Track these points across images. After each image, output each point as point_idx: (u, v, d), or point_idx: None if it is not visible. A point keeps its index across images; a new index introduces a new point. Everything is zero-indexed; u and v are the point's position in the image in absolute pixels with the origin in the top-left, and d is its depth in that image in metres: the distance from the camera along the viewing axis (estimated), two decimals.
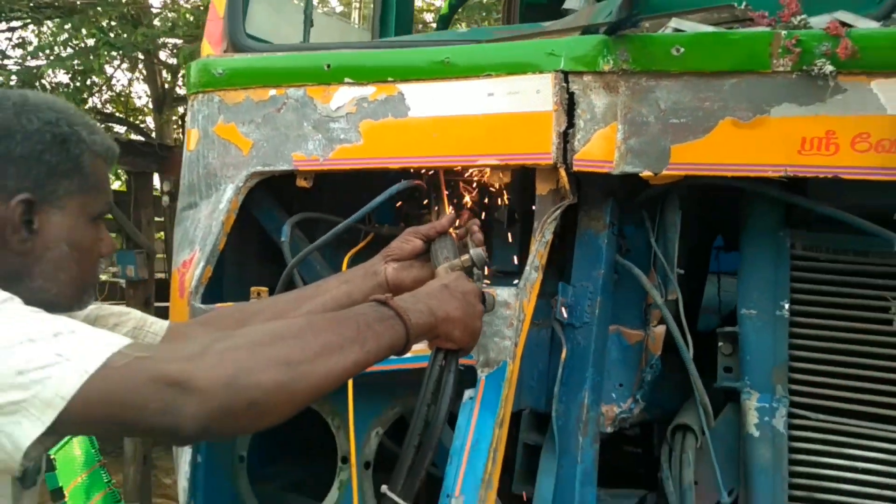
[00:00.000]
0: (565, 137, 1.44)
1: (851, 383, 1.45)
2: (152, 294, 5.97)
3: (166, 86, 7.99)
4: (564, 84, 1.44)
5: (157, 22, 6.02)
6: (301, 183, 1.61)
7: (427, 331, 1.15)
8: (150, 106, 8.86)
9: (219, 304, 1.54)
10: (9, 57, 6.47)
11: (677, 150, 1.39)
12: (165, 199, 6.07)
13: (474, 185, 1.56)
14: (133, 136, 7.99)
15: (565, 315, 1.51)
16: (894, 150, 1.26)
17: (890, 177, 1.26)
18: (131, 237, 5.70)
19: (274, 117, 1.61)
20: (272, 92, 1.62)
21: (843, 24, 1.29)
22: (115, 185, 5.83)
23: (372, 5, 2.54)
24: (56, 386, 0.88)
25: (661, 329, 1.52)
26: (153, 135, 8.24)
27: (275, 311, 1.34)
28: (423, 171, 1.55)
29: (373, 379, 1.36)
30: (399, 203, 1.68)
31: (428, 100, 1.51)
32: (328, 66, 1.58)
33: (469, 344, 1.21)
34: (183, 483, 1.51)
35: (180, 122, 8.62)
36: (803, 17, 1.33)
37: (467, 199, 1.58)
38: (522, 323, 1.36)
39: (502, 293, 1.36)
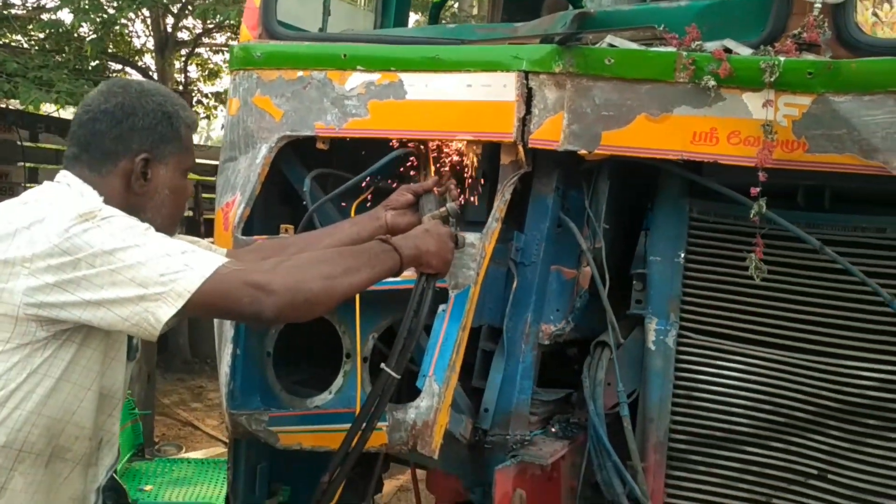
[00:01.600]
0: (524, 122, 1.92)
1: (724, 313, 1.96)
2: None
3: (169, 29, 8.29)
4: (525, 81, 1.91)
5: None
6: (320, 146, 2.08)
7: (413, 260, 1.67)
8: (149, 46, 9.17)
9: (256, 236, 2.03)
10: (36, 9, 6.77)
11: (606, 135, 1.87)
12: None
13: (454, 154, 2.04)
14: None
15: (518, 256, 2.01)
16: (756, 144, 1.74)
17: (751, 163, 1.74)
18: None
19: (300, 93, 2.07)
20: (300, 73, 2.08)
21: (727, 50, 1.76)
22: None
23: None
24: (185, 284, 1.38)
25: (589, 270, 2.02)
26: (154, 76, 8.56)
27: (303, 244, 1.84)
28: (416, 141, 2.03)
29: (372, 296, 1.87)
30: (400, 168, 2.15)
31: (421, 86, 1.98)
32: (345, 55, 2.04)
33: (443, 270, 1.73)
34: (225, 369, 2.01)
35: (183, 66, 8.93)
36: (699, 42, 1.80)
37: (448, 165, 2.06)
38: (483, 259, 1.85)
39: (470, 237, 1.85)
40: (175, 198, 1.63)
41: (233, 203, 2.09)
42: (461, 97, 1.95)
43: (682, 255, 1.98)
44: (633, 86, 1.84)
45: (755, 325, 1.92)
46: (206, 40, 9.16)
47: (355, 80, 2.02)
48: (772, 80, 1.66)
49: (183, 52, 8.80)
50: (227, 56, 10.55)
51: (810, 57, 1.68)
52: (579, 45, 1.89)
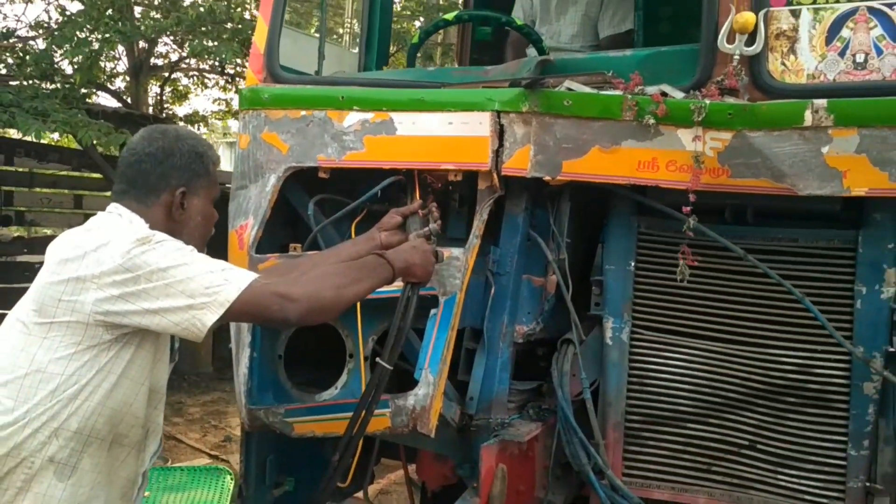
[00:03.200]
0: (497, 153, 2.26)
1: (669, 312, 2.31)
2: None
3: (142, 55, 8.53)
4: (497, 119, 2.25)
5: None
6: (322, 175, 2.40)
7: (403, 272, 2.02)
8: (119, 70, 9.38)
9: (268, 255, 2.34)
10: (20, 37, 6.97)
11: (566, 164, 2.22)
12: None
13: (438, 181, 2.38)
14: (115, 104, 8.51)
15: (494, 267, 2.35)
16: (689, 171, 2.10)
17: (684, 187, 2.10)
18: None
19: (304, 130, 2.39)
20: (303, 112, 2.40)
21: (664, 93, 2.13)
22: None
23: (359, 30, 3.30)
24: (225, 295, 1.69)
25: (554, 278, 2.37)
26: (128, 99, 8.78)
27: (312, 262, 2.16)
28: (405, 170, 2.36)
29: (371, 304, 2.20)
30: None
31: (409, 124, 2.31)
32: (342, 97, 2.37)
33: (425, 280, 2.08)
34: (243, 370, 2.31)
35: (159, 93, 9.15)
36: (642, 87, 2.16)
37: (430, 190, 2.39)
38: (467, 270, 2.19)
39: (455, 251, 2.19)
40: (205, 222, 1.96)
41: (246, 226, 2.40)
42: (444, 133, 2.29)
43: (633, 263, 2.34)
44: (587, 123, 2.19)
45: (694, 322, 2.27)
46: (181, 65, 9.42)
47: (352, 118, 2.35)
48: (700, 119, 2.03)
49: (159, 75, 9.04)
50: (196, 79, 10.86)
51: (731, 100, 2.05)
52: (542, 89, 2.24)
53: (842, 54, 1.97)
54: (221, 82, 11.52)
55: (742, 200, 2.16)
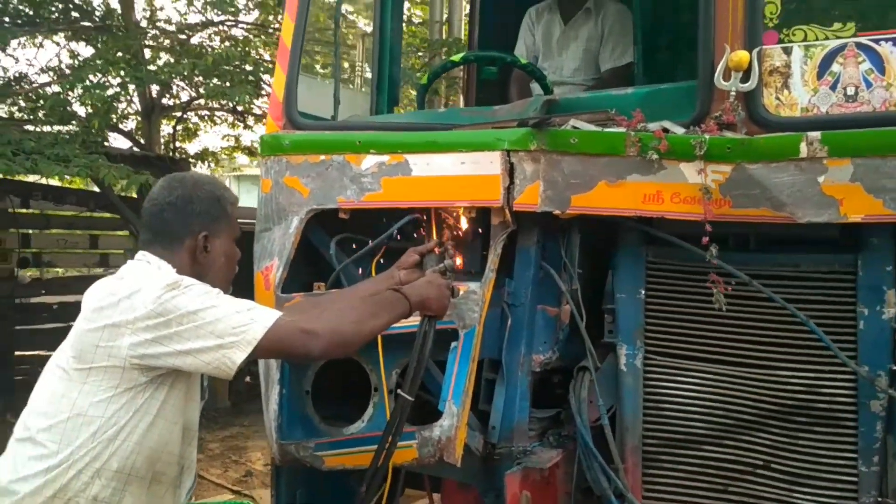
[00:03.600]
0: (509, 190, 2.36)
1: (680, 338, 2.40)
2: None
3: (154, 96, 8.73)
4: (508, 158, 2.36)
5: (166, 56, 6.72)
6: (342, 216, 2.51)
7: (419, 305, 2.12)
8: (131, 110, 9.59)
9: (294, 294, 2.44)
10: (32, 82, 7.15)
11: (575, 198, 2.33)
12: None
13: (453, 219, 2.48)
14: (127, 144, 8.70)
15: (510, 299, 2.45)
16: (692, 203, 2.20)
17: (690, 217, 2.20)
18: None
19: (324, 173, 2.51)
20: (322, 157, 2.52)
21: (665, 129, 2.24)
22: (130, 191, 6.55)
23: (370, 73, 3.44)
24: (252, 334, 1.80)
25: (568, 307, 2.46)
26: (141, 139, 8.97)
27: (332, 299, 2.26)
28: (422, 210, 2.47)
29: (392, 339, 2.30)
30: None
31: (424, 165, 2.42)
32: (359, 142, 2.49)
33: (441, 314, 2.18)
34: (273, 407, 2.41)
35: (172, 133, 9.34)
36: (644, 124, 2.27)
37: (445, 228, 2.50)
38: (484, 303, 2.29)
39: (472, 286, 2.29)
40: (229, 261, 2.07)
41: (272, 267, 2.51)
42: (457, 172, 2.40)
43: (643, 291, 2.43)
44: (593, 159, 2.30)
45: (705, 346, 2.36)
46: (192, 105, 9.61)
47: (369, 161, 2.47)
48: (701, 153, 2.14)
49: (170, 115, 9.24)
50: (207, 117, 11.07)
51: (729, 134, 2.16)
52: (549, 128, 2.35)
53: (833, 88, 2.08)
54: (230, 119, 11.74)
55: (744, 229, 2.26)
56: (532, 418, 2.43)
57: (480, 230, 2.51)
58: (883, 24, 2.01)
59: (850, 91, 2.06)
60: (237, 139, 12.79)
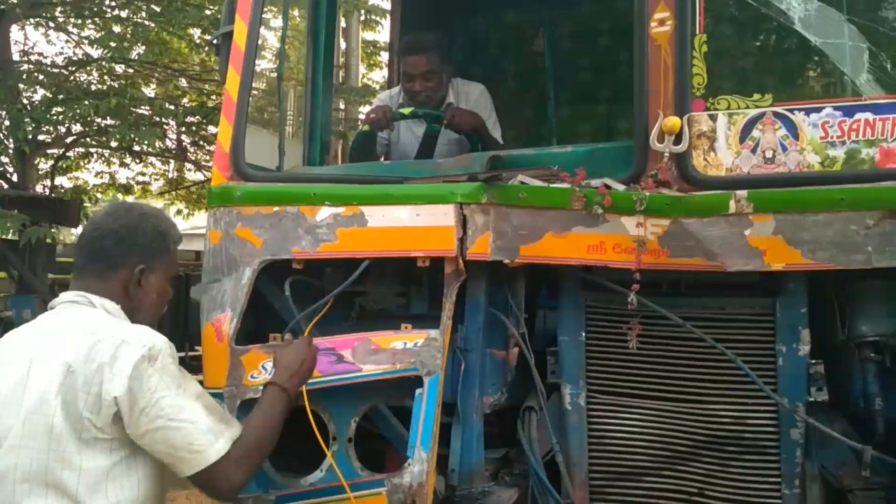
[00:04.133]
0: (462, 240, 2.48)
1: (619, 376, 2.59)
2: None
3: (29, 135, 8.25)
4: (460, 210, 2.46)
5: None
6: (296, 266, 2.54)
7: (290, 379, 2.09)
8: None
9: (250, 346, 2.44)
10: None
11: (523, 248, 2.47)
12: (59, 247, 6.50)
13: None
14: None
15: (462, 343, 2.55)
16: (633, 253, 2.40)
17: (629, 266, 2.40)
18: (26, 281, 6.09)
19: (277, 224, 2.53)
20: (275, 208, 2.55)
21: (607, 186, 2.44)
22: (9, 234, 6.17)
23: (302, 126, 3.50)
24: (205, 459, 1.83)
25: (516, 350, 2.59)
26: (13, 178, 8.44)
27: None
28: (376, 259, 2.53)
29: (351, 387, 2.34)
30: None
31: (379, 216, 2.50)
32: (314, 193, 2.54)
33: (308, 376, 2.18)
34: None
35: (51, 171, 8.85)
36: (588, 181, 2.46)
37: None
38: (444, 349, 2.38)
39: (433, 333, 2.38)
40: (160, 300, 2.05)
41: (224, 319, 2.49)
42: (412, 224, 2.48)
43: (583, 334, 2.60)
44: (541, 212, 2.46)
45: (642, 383, 2.55)
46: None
47: (324, 213, 2.52)
48: (641, 208, 2.35)
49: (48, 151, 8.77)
50: (81, 152, 10.60)
51: (665, 191, 2.39)
52: (499, 183, 2.50)
53: (754, 151, 2.35)
54: (106, 154, 11.29)
55: (676, 275, 2.49)
56: (486, 458, 2.52)
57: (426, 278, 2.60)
58: (798, 92, 2.30)
59: (769, 154, 2.33)
60: (112, 176, 12.32)
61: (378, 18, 10.76)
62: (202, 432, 1.81)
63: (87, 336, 1.84)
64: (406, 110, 3.26)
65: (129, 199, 11.44)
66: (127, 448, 1.79)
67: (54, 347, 1.82)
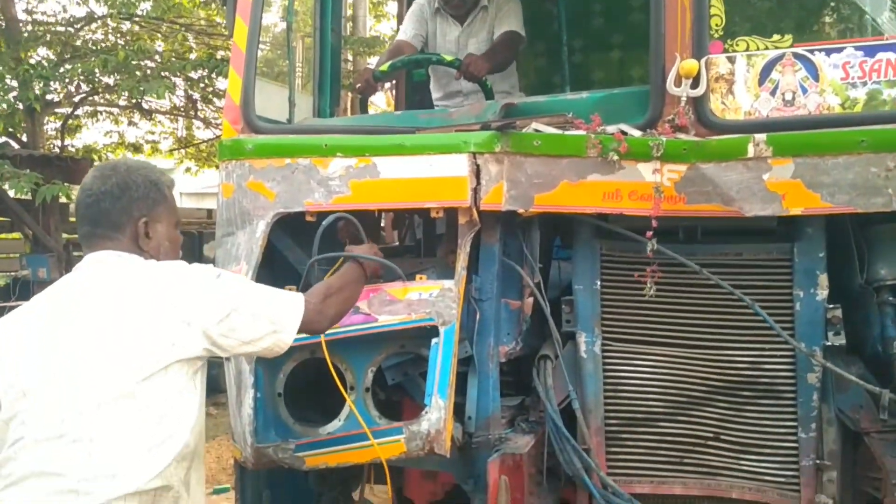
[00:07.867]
0: (475, 190, 2.46)
1: (634, 324, 2.59)
2: None
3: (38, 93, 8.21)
4: (474, 159, 2.44)
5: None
6: (309, 218, 2.53)
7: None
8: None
9: None
10: None
11: (538, 197, 2.45)
12: (72, 206, 6.53)
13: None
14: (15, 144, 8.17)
15: (477, 294, 2.55)
16: (649, 200, 2.38)
17: (647, 213, 2.38)
18: (40, 241, 6.12)
19: (290, 177, 2.52)
20: (287, 161, 2.52)
21: (623, 132, 2.40)
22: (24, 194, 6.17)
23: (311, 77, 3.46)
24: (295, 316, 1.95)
25: (531, 299, 2.59)
26: (24, 138, 8.44)
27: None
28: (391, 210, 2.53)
29: (367, 338, 2.35)
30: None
31: (391, 167, 2.48)
32: (326, 145, 2.51)
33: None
34: (248, 411, 2.40)
35: (61, 130, 8.83)
36: (603, 126, 2.43)
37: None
38: (459, 299, 2.38)
39: (447, 283, 2.38)
40: (173, 246, 2.03)
41: (239, 271, 2.49)
42: (425, 175, 2.46)
43: (598, 283, 2.59)
44: (555, 160, 2.43)
45: (657, 331, 2.56)
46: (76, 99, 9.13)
47: (336, 164, 2.50)
48: (658, 154, 2.32)
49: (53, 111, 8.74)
50: (89, 111, 10.57)
51: (682, 136, 2.35)
52: (512, 131, 2.46)
53: (773, 93, 2.31)
54: (115, 113, 11.25)
55: (692, 222, 2.47)
56: (502, 406, 2.54)
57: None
58: (818, 35, 2.25)
59: (788, 96, 2.29)
60: (121, 135, 12.28)
61: None
62: (276, 295, 1.97)
63: (141, 277, 1.84)
64: (384, 66, 3.24)
65: (140, 157, 11.42)
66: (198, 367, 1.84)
67: (115, 293, 1.81)
